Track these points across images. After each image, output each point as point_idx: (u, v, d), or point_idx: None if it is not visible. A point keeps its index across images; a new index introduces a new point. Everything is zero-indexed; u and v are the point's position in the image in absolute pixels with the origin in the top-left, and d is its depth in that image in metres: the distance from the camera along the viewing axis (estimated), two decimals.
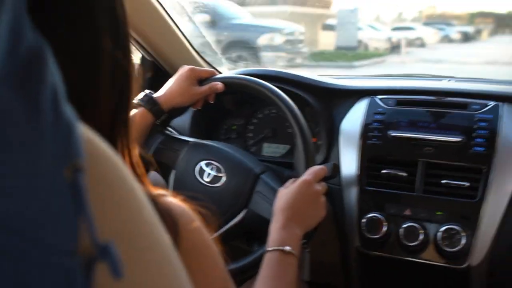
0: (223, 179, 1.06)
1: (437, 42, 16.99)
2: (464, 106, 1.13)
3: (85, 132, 0.30)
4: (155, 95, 1.11)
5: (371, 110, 1.19)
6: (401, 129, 1.14)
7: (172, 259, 0.36)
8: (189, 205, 0.53)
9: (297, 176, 0.96)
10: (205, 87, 1.12)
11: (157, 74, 1.48)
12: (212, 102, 1.16)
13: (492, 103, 1.12)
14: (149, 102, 1.08)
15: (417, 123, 1.14)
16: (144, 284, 0.32)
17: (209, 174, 1.07)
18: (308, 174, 0.95)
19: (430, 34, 17.08)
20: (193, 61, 1.48)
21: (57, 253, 0.26)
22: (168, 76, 1.51)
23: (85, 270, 0.27)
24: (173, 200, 0.51)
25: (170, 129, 1.26)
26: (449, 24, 19.52)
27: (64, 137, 0.27)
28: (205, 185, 1.06)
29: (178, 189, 0.58)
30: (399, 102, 1.19)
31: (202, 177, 1.07)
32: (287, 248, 0.82)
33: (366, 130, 1.17)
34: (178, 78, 1.13)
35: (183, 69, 1.14)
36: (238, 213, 1.03)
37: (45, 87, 0.26)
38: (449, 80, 1.37)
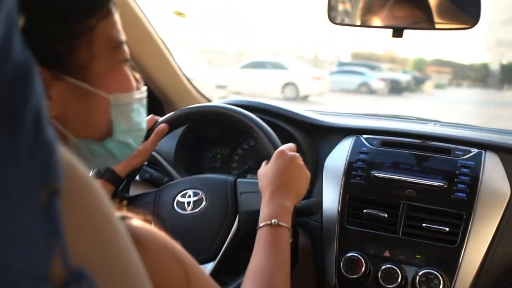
0: (204, 200, 1.05)
1: (331, 92, 11.71)
2: (447, 151, 1.14)
3: (65, 155, 0.30)
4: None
5: (356, 149, 1.20)
6: (384, 170, 1.14)
7: (145, 285, 0.35)
8: (156, 227, 0.53)
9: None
10: (152, 137, 1.11)
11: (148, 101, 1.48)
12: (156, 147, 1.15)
13: (475, 150, 1.13)
14: (107, 173, 1.05)
15: (400, 165, 1.15)
16: None
17: (188, 202, 1.05)
18: (279, 148, 0.96)
19: (309, 79, 10.07)
20: (183, 88, 1.49)
21: (29, 278, 0.25)
22: (158, 102, 1.51)
23: None
24: (138, 223, 0.51)
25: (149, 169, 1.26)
26: (373, 68, 14.38)
27: (43, 158, 0.26)
28: (190, 214, 1.04)
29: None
30: (384, 143, 1.20)
31: (184, 209, 1.05)
32: (274, 220, 0.82)
33: (350, 169, 1.17)
34: None
35: None
36: (233, 221, 1.01)
37: (28, 106, 0.26)
38: (435, 124, 1.39)
